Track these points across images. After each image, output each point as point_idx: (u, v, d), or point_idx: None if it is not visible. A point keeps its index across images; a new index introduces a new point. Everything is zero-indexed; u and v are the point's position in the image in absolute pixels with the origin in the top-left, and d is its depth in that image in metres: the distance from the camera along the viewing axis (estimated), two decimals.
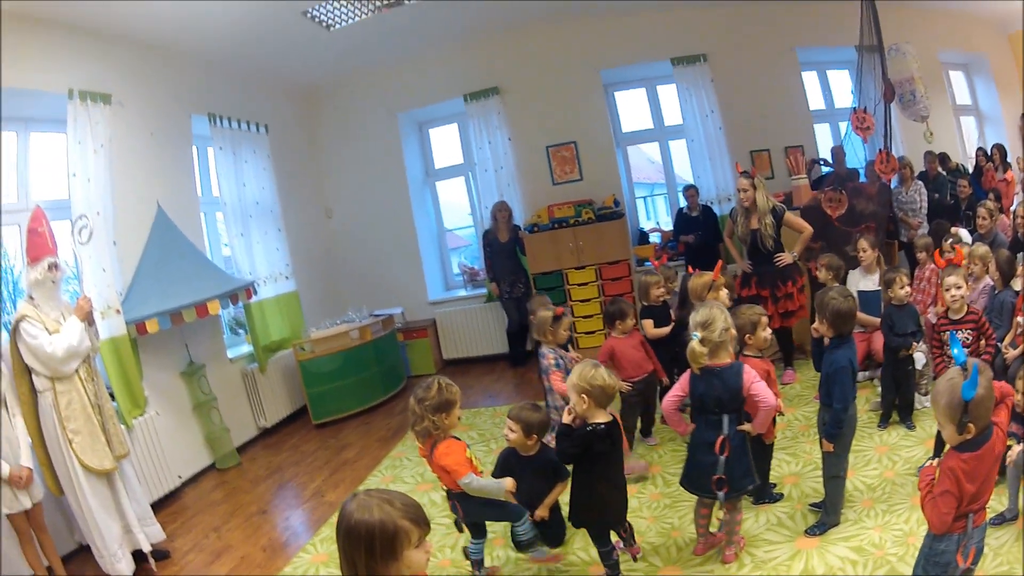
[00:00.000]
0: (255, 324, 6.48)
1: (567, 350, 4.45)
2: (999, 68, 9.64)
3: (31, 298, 3.89)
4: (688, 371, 3.11)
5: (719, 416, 3.01)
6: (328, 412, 6.69)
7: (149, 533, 4.20)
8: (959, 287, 3.93)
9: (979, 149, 8.65)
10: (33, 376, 3.81)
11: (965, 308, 3.97)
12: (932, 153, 7.93)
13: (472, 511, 3.21)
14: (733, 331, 3.14)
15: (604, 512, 3.09)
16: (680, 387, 3.13)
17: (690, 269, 5.02)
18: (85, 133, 4.85)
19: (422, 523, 1.77)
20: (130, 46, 5.63)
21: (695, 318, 3.09)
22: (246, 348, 6.68)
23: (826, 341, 3.27)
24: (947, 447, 2.22)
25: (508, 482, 3.14)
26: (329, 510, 4.57)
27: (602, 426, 2.92)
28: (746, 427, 3.06)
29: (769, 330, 3.63)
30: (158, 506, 4.89)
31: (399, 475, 4.96)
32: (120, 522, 4.03)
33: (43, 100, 4.81)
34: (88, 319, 4.09)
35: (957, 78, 9.98)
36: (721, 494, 3.01)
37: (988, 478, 2.17)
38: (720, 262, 4.67)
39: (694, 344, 2.99)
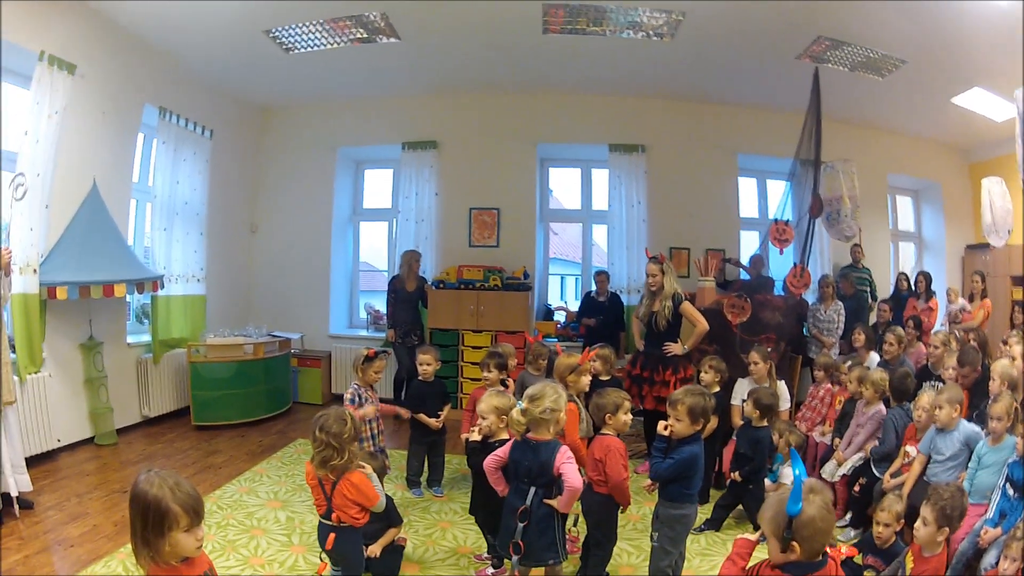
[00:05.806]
0: (158, 317, 6.94)
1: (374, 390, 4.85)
2: (951, 197, 9.95)
3: None
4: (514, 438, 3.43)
5: (527, 486, 3.25)
6: (209, 417, 7.05)
7: (19, 480, 4.58)
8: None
9: (901, 274, 8.88)
10: None
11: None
12: (846, 277, 8.39)
13: (342, 547, 3.35)
14: (562, 415, 3.35)
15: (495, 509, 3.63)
16: (504, 450, 3.39)
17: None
18: (45, 96, 5.38)
19: (192, 513, 2.05)
20: (103, 22, 6.16)
21: (529, 390, 3.36)
22: (146, 338, 7.05)
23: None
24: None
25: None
26: None
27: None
28: (553, 502, 3.22)
29: (630, 416, 3.77)
30: (32, 461, 5.23)
31: (255, 489, 5.27)
32: None
33: (16, 54, 5.29)
34: (6, 270, 4.56)
35: (904, 203, 10.44)
36: (515, 559, 3.22)
37: None
38: (588, 351, 4.95)
39: (514, 413, 3.32)
